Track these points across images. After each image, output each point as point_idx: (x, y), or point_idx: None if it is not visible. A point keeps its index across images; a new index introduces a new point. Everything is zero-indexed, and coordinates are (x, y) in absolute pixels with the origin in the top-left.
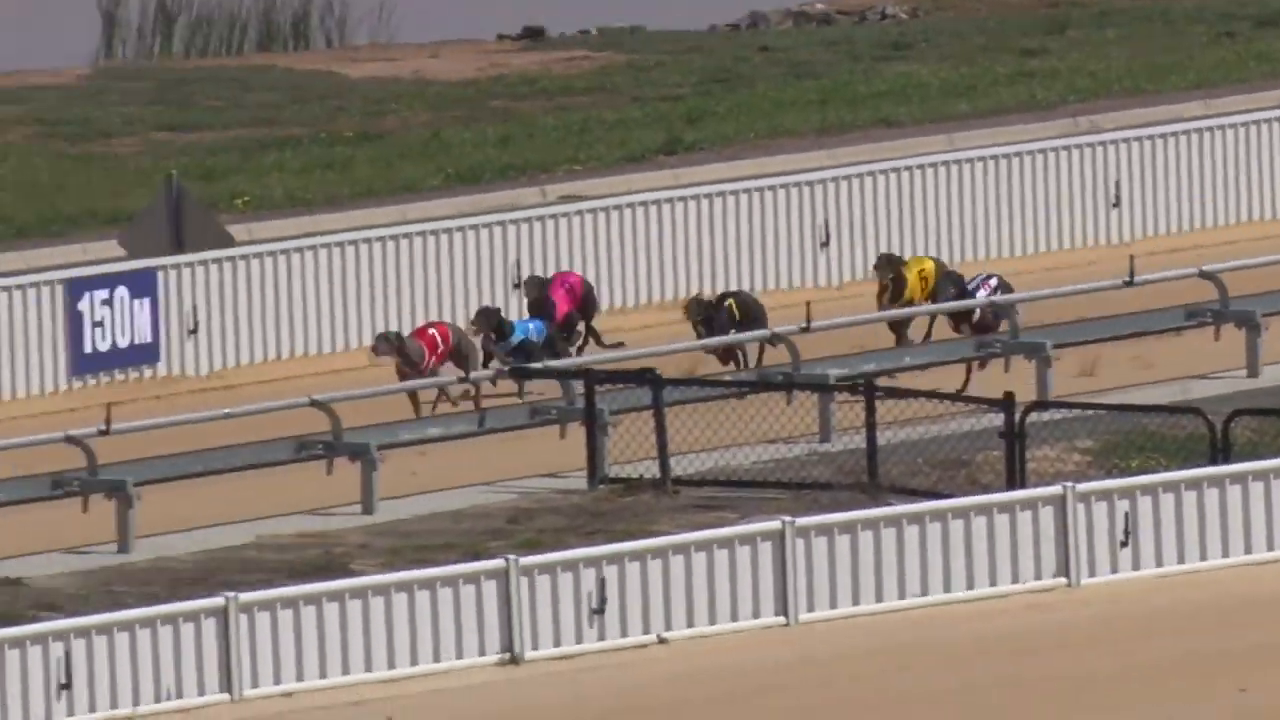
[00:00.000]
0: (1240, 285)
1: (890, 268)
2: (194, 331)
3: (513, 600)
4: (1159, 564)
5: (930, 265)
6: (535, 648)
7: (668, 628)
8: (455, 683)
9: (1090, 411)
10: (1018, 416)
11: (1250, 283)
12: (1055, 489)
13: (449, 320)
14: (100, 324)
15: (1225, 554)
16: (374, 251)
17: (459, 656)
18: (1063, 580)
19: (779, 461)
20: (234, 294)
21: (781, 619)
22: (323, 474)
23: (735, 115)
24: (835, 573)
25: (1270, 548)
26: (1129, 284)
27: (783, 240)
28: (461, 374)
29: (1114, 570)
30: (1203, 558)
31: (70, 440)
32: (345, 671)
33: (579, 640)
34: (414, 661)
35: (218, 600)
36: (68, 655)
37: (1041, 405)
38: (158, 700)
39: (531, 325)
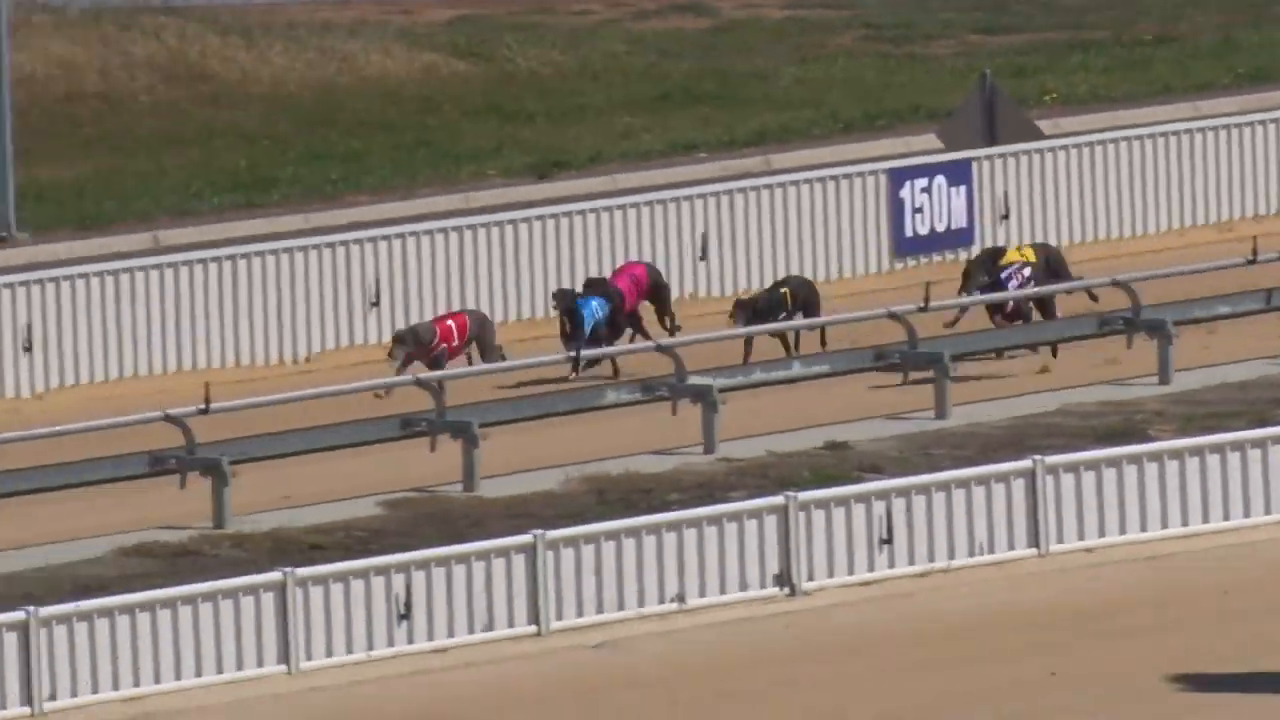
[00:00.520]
0: None
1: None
2: (1005, 218)
3: None
4: None
5: (1030, 252)
6: None
7: None
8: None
9: None
10: None
11: None
12: None
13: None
14: (919, 210)
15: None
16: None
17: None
18: None
19: None
20: (1042, 183)
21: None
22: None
23: None
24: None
25: None
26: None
27: None
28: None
29: None
30: None
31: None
32: (1143, 529)
33: None
34: (1205, 519)
35: (1025, 463)
36: (888, 513)
37: None
38: (970, 555)
39: (594, 302)
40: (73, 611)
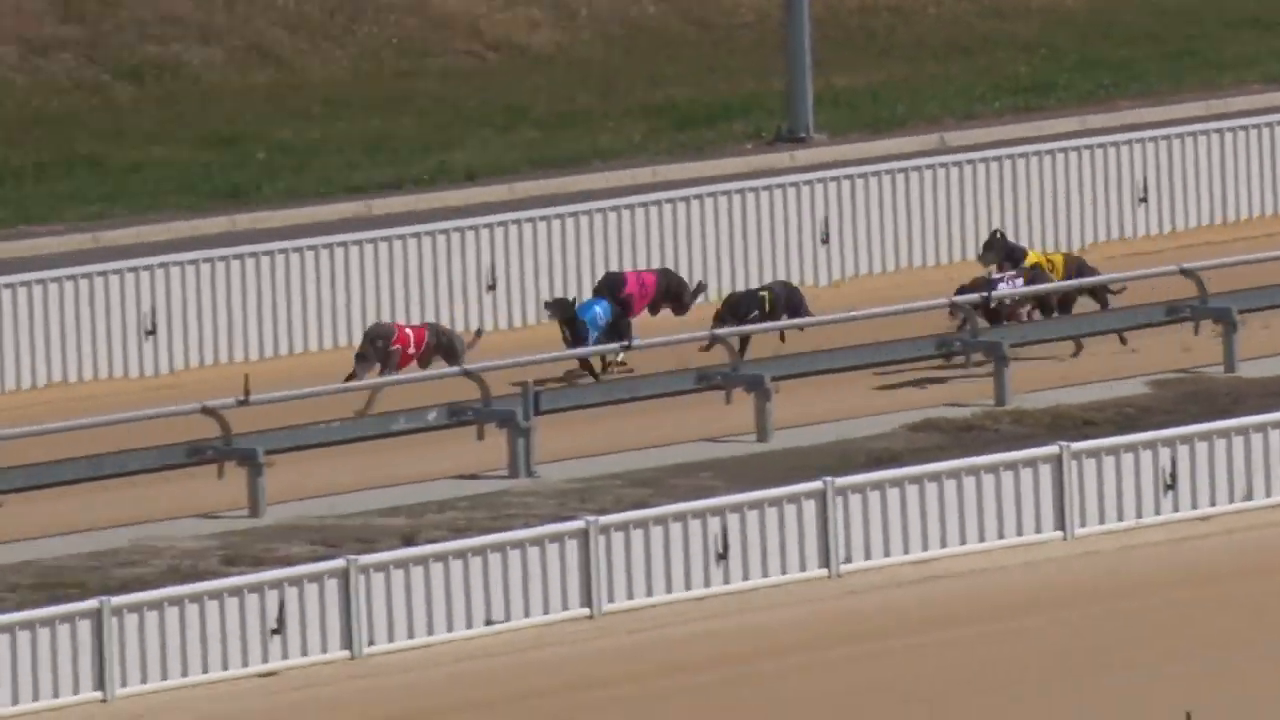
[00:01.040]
0: None
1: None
2: None
3: None
4: None
5: (1059, 259)
6: None
7: None
8: None
9: None
10: None
11: None
12: None
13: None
14: None
15: None
16: None
17: None
18: None
19: None
20: None
21: None
22: None
23: None
24: None
25: None
26: None
27: None
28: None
29: None
30: None
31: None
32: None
33: None
34: None
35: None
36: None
37: None
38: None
39: (598, 308)
40: (866, 482)
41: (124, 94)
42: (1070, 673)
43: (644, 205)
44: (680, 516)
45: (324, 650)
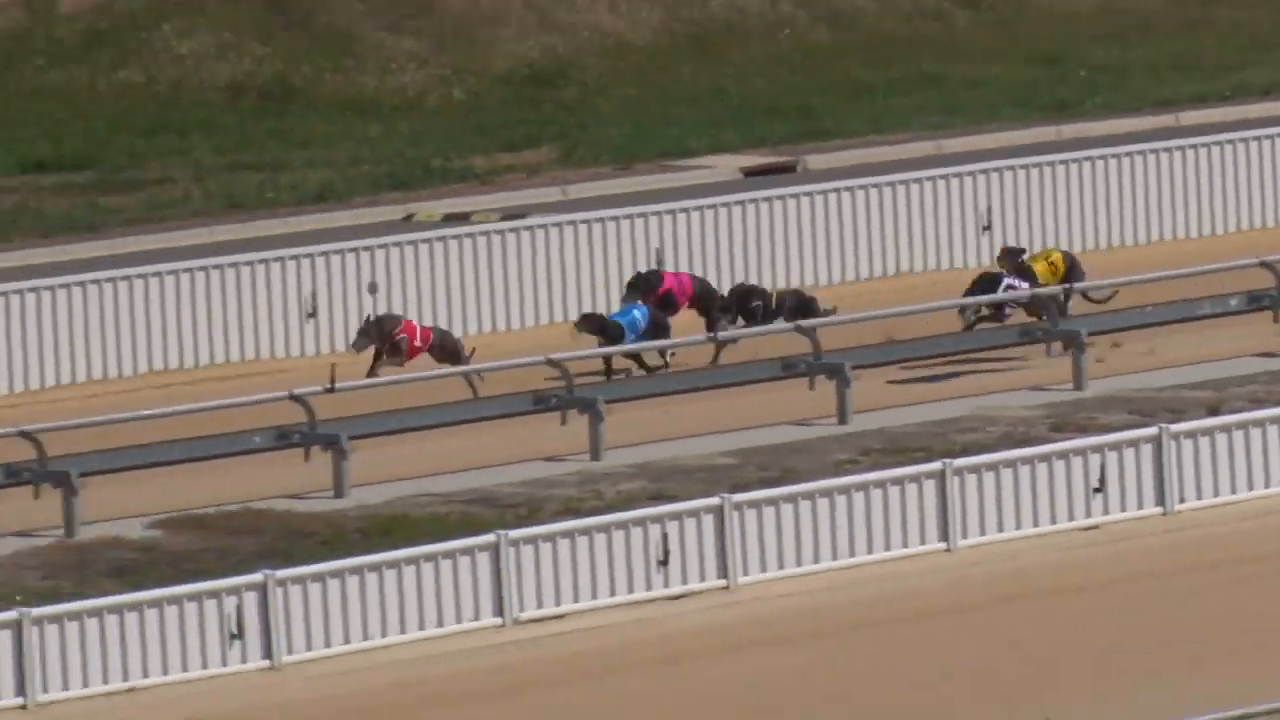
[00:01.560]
0: None
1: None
2: None
3: None
4: None
5: (1059, 256)
6: None
7: None
8: None
9: None
10: None
11: None
12: None
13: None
14: None
15: None
16: None
17: None
18: None
19: None
20: None
21: None
22: None
23: None
24: None
25: None
26: None
27: None
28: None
29: None
30: None
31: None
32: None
33: None
34: None
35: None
36: None
37: None
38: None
39: (636, 313)
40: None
41: (962, 19)
42: None
43: None
44: None
45: (1139, 507)
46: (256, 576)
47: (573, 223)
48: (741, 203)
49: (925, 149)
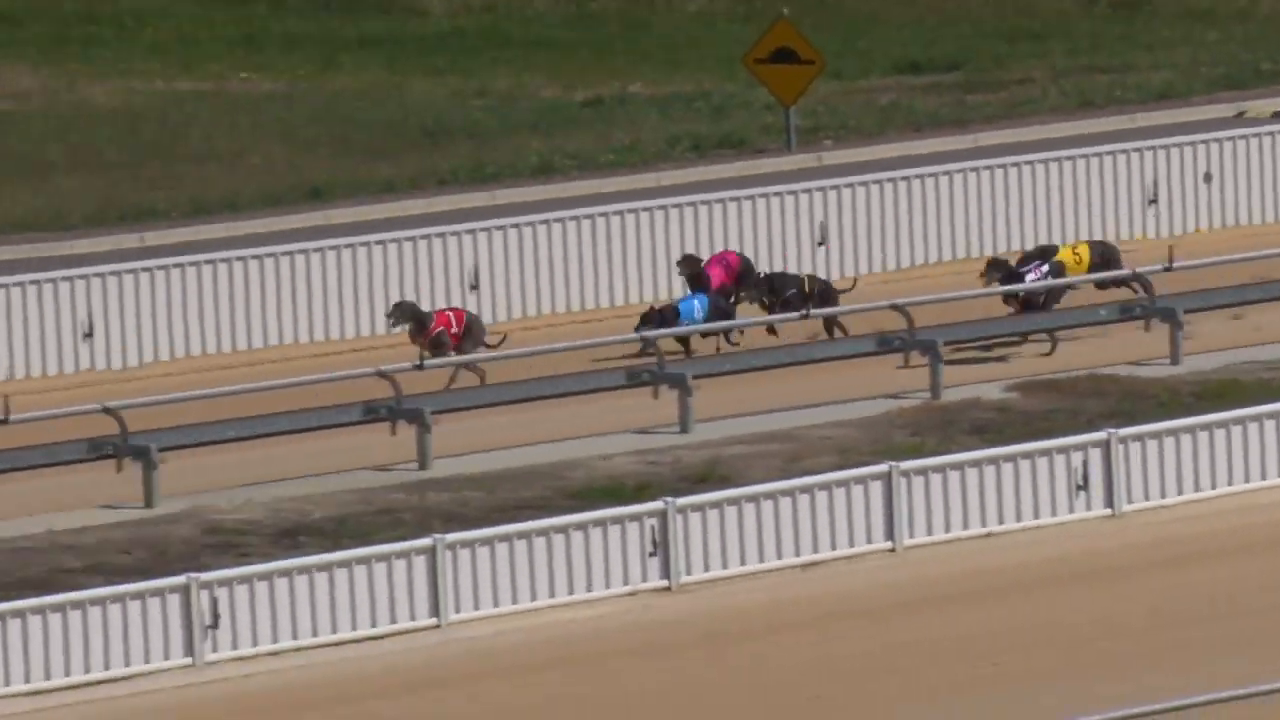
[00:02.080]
0: None
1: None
2: None
3: None
4: None
5: (1085, 247)
6: None
7: None
8: None
9: None
10: None
11: None
12: None
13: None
14: None
15: None
16: None
17: None
18: None
19: None
20: None
21: None
22: None
23: None
24: None
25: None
26: None
27: None
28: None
29: None
30: None
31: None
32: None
33: None
34: None
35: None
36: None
37: None
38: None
39: (695, 302)
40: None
41: None
42: None
43: None
44: None
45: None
46: (1100, 434)
47: None
48: None
49: None
